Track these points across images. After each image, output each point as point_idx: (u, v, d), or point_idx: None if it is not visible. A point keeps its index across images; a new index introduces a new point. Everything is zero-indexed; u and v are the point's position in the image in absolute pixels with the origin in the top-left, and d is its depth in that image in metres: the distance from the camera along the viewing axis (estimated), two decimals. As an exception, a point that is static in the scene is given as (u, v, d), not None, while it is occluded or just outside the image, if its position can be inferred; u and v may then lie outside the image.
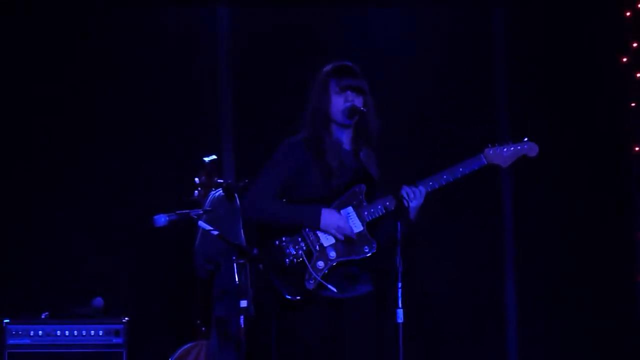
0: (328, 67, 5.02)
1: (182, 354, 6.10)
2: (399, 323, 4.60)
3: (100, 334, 6.39)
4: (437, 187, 4.88)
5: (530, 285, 7.35)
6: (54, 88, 7.08)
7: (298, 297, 4.79)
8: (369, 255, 4.84)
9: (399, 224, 4.67)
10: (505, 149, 4.98)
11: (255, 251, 4.91)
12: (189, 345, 6.14)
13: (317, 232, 4.85)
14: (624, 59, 7.38)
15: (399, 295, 4.60)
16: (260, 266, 4.89)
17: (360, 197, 4.88)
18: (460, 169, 4.91)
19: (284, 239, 4.84)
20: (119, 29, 7.16)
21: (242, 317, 5.16)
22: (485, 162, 4.96)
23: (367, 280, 4.93)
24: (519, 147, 5.00)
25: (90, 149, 7.07)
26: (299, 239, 4.84)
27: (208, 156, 6.14)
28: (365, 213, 4.85)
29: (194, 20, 7.26)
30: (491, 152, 4.96)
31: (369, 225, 4.86)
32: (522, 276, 7.37)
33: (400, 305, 4.60)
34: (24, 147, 7.04)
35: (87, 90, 7.09)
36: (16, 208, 7.00)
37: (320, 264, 4.82)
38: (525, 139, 5.01)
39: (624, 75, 7.37)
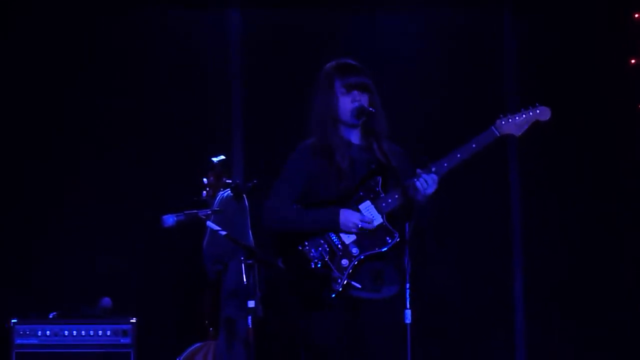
0: (331, 66, 5.01)
1: (190, 355, 6.10)
2: (407, 324, 4.59)
3: (108, 334, 6.39)
4: (452, 166, 4.80)
5: (539, 280, 7.35)
6: (65, 88, 7.08)
7: (333, 295, 4.77)
8: (391, 245, 4.81)
9: (407, 224, 4.66)
10: (517, 117, 4.85)
11: (279, 262, 4.90)
12: (196, 345, 6.14)
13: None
14: (633, 61, 7.37)
15: (407, 295, 4.59)
16: (281, 266, 4.89)
17: (377, 189, 4.86)
18: (474, 145, 4.81)
19: (306, 243, 4.84)
20: (130, 31, 7.17)
21: (250, 317, 5.16)
22: (498, 134, 4.84)
23: (394, 277, 4.88)
24: (530, 113, 4.87)
25: (99, 148, 7.08)
26: (321, 240, 4.84)
27: (217, 156, 6.15)
28: (383, 204, 4.82)
29: (205, 22, 7.27)
30: (503, 122, 4.85)
31: (389, 216, 4.84)
32: (530, 272, 7.38)
33: (408, 306, 4.59)
34: (33, 148, 7.05)
35: (98, 90, 7.10)
36: (24, 208, 7.01)
37: (345, 262, 4.81)
38: (537, 104, 4.88)
39: (632, 77, 7.36)
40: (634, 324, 7.26)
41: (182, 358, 6.09)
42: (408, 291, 4.57)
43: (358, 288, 4.79)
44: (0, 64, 7.05)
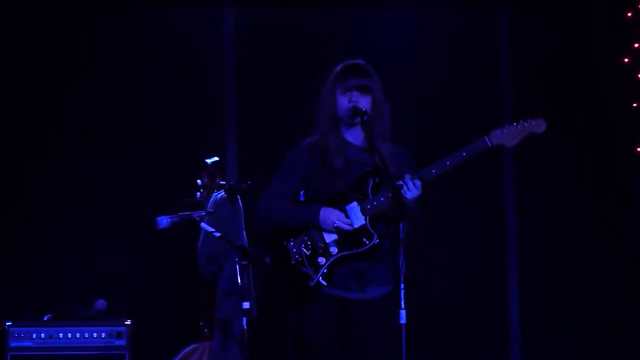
0: (338, 67, 5.05)
1: (184, 356, 6.09)
2: (402, 324, 4.59)
3: (103, 336, 6.38)
4: (440, 173, 4.84)
5: (534, 281, 7.35)
6: (60, 88, 7.07)
7: (312, 283, 4.83)
8: (368, 247, 4.85)
9: (401, 224, 4.66)
10: (512, 128, 4.88)
11: (267, 259, 4.95)
12: (191, 346, 6.13)
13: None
14: (626, 60, 7.38)
15: (402, 296, 4.59)
16: (268, 265, 4.94)
17: (366, 191, 4.89)
18: (464, 154, 4.84)
19: (291, 239, 4.91)
20: (124, 29, 7.16)
21: (244, 318, 5.16)
22: (490, 145, 4.87)
23: (383, 278, 4.92)
24: (525, 124, 4.90)
25: (94, 150, 7.07)
26: (305, 237, 4.91)
27: (211, 158, 6.15)
28: (368, 207, 4.87)
29: (199, 21, 7.26)
30: (497, 132, 4.87)
31: (373, 218, 4.86)
32: (525, 272, 7.38)
33: (403, 306, 4.59)
34: (33, 148, 7.04)
35: (96, 91, 7.09)
36: (20, 209, 7.00)
37: (321, 260, 4.87)
38: (533, 117, 4.91)
39: (626, 76, 7.37)
40: (632, 325, 7.27)
41: (176, 359, 6.09)
42: (402, 291, 4.57)
43: (324, 285, 4.84)
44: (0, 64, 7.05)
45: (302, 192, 5.06)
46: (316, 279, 4.84)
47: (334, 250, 4.88)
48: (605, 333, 7.26)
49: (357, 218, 4.87)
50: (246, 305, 5.13)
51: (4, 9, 7.02)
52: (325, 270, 4.85)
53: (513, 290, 7.38)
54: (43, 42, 7.07)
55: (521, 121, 4.93)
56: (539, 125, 4.93)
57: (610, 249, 7.34)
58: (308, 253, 4.88)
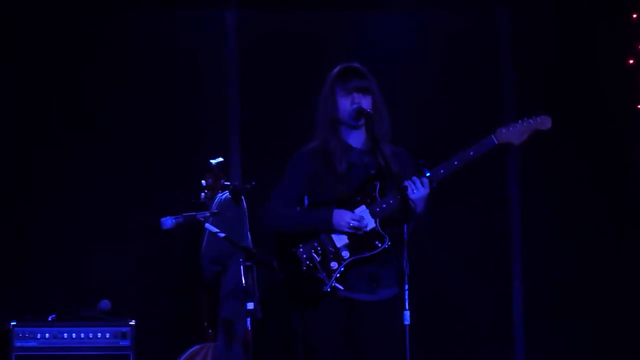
0: (335, 70, 5.04)
1: (189, 356, 6.10)
2: (406, 325, 4.60)
3: (107, 337, 6.38)
4: (448, 172, 4.84)
5: (537, 285, 7.34)
6: (63, 88, 7.08)
7: (323, 292, 4.82)
8: (380, 249, 4.85)
9: (405, 226, 4.66)
10: (517, 126, 4.90)
11: (274, 263, 4.95)
12: (196, 347, 6.15)
13: (332, 234, 4.87)
14: (630, 61, 7.37)
15: (406, 297, 4.59)
16: (277, 267, 4.94)
17: (374, 194, 4.89)
18: (471, 152, 4.85)
19: (300, 245, 4.90)
20: (127, 32, 7.16)
21: (248, 319, 5.17)
22: (496, 142, 4.87)
23: (391, 280, 4.92)
24: (531, 122, 4.92)
25: (97, 151, 7.08)
26: (315, 243, 4.90)
27: (215, 158, 6.16)
28: (377, 209, 4.86)
29: (201, 23, 7.26)
30: (503, 130, 4.89)
31: (385, 221, 4.86)
32: (529, 275, 7.37)
33: (407, 307, 4.59)
34: (31, 153, 7.04)
35: (96, 92, 7.09)
36: (23, 210, 7.00)
37: (334, 264, 4.86)
38: (537, 113, 4.93)
39: (630, 77, 7.36)
40: (636, 325, 7.25)
41: (181, 360, 6.11)
42: (407, 292, 4.58)
43: (341, 289, 4.83)
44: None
45: (305, 197, 5.06)
46: (330, 284, 4.83)
47: (346, 254, 4.87)
48: (609, 334, 7.26)
49: (367, 221, 4.87)
50: (250, 305, 5.13)
51: (4, 9, 7.02)
52: (339, 275, 4.84)
53: (517, 291, 7.37)
54: (43, 43, 7.06)
55: (526, 118, 4.95)
56: (544, 122, 4.95)
57: (614, 249, 7.34)
58: (319, 259, 4.87)
